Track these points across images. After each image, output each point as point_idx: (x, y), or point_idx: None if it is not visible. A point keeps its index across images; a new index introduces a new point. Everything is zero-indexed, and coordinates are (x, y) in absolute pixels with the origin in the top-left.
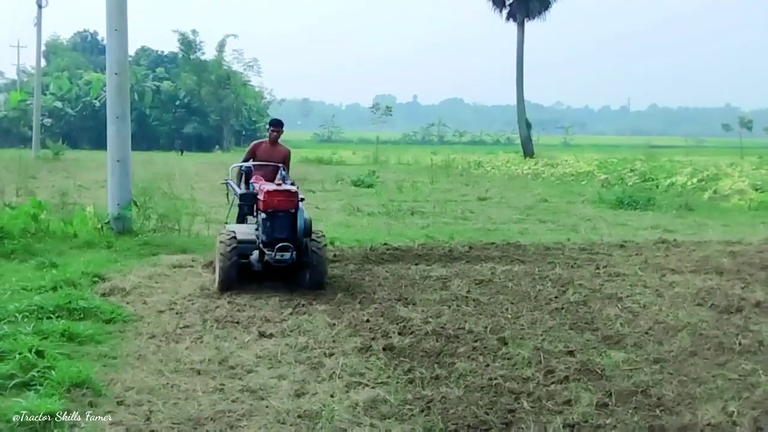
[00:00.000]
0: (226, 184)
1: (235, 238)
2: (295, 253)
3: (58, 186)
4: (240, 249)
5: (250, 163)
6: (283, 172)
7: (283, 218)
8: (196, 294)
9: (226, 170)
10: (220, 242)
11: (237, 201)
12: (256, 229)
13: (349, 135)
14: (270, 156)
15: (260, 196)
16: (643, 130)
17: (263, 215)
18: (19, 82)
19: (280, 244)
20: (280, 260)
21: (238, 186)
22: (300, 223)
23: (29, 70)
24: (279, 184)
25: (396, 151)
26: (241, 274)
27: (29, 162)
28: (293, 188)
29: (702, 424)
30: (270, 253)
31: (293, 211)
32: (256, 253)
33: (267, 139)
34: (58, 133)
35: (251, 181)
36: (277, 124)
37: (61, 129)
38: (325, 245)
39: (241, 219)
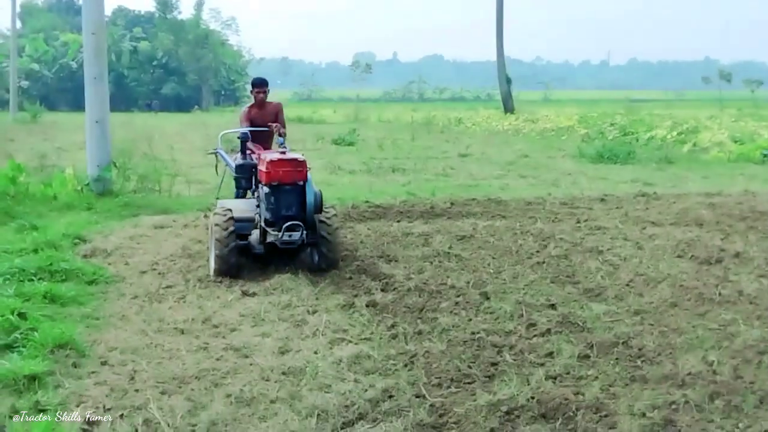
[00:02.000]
0: (216, 154)
1: (232, 218)
2: (305, 232)
3: (36, 148)
4: (238, 229)
5: (246, 129)
6: (281, 139)
7: (290, 192)
8: (177, 254)
9: (206, 130)
10: (216, 224)
11: (232, 174)
12: (257, 206)
13: (329, 93)
14: (263, 121)
15: (262, 167)
16: (623, 85)
17: (266, 189)
18: None
19: (289, 223)
20: (288, 241)
21: (235, 154)
22: (309, 197)
23: (5, 32)
24: (283, 152)
25: (376, 108)
26: (240, 257)
27: (7, 125)
28: (301, 156)
29: (683, 373)
30: (275, 233)
31: (302, 183)
32: (256, 233)
33: (252, 103)
34: (35, 96)
35: (247, 151)
36: (260, 84)
37: (39, 91)
38: (338, 227)
39: (238, 194)
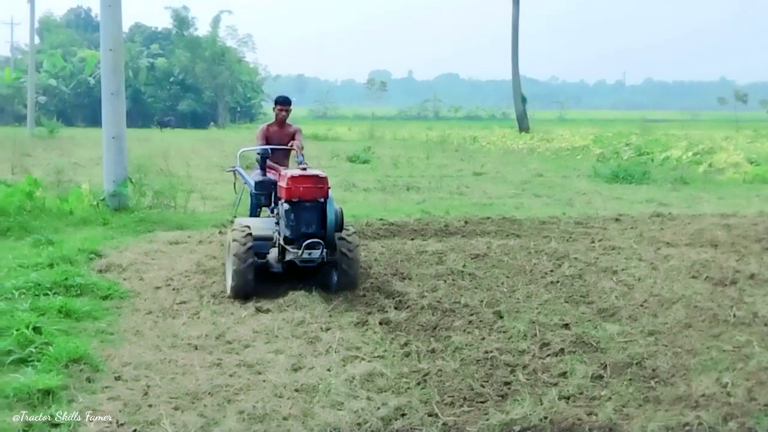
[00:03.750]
0: (234, 171)
1: (250, 234)
2: (326, 251)
3: (53, 163)
4: (256, 247)
5: (266, 146)
6: (300, 157)
7: (310, 209)
8: (192, 270)
9: (222, 147)
10: (234, 240)
11: (251, 191)
12: (276, 223)
13: (345, 111)
14: (280, 140)
15: (282, 183)
16: (638, 105)
17: (286, 206)
18: (12, 59)
19: (309, 241)
20: (308, 259)
21: (254, 171)
22: (330, 214)
23: (23, 47)
24: (304, 169)
25: (391, 126)
26: (257, 276)
27: (24, 140)
28: (322, 173)
29: (696, 395)
30: (295, 251)
31: (322, 200)
32: (274, 251)
33: (273, 121)
34: (52, 111)
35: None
36: (284, 102)
37: (56, 106)
38: (358, 245)
39: (253, 212)
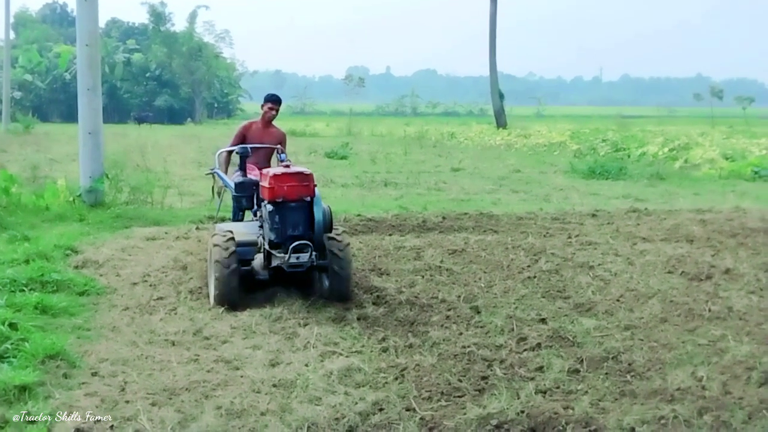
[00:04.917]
0: (213, 174)
1: (233, 239)
2: (315, 254)
3: (29, 159)
4: (240, 254)
5: (245, 146)
6: (283, 155)
7: (296, 210)
8: (169, 266)
9: (199, 143)
10: (215, 245)
11: (231, 193)
12: (260, 227)
13: (322, 107)
14: (262, 140)
15: (264, 183)
16: (615, 101)
17: (270, 207)
18: None
19: (296, 244)
20: (296, 264)
21: (234, 173)
22: (318, 215)
23: None
24: (287, 167)
25: (369, 122)
26: (242, 285)
27: None
28: (307, 170)
29: (672, 388)
30: (282, 255)
31: (309, 199)
32: (259, 257)
33: (258, 119)
34: (28, 107)
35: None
36: (274, 101)
37: (31, 102)
38: (348, 243)
39: (236, 216)
